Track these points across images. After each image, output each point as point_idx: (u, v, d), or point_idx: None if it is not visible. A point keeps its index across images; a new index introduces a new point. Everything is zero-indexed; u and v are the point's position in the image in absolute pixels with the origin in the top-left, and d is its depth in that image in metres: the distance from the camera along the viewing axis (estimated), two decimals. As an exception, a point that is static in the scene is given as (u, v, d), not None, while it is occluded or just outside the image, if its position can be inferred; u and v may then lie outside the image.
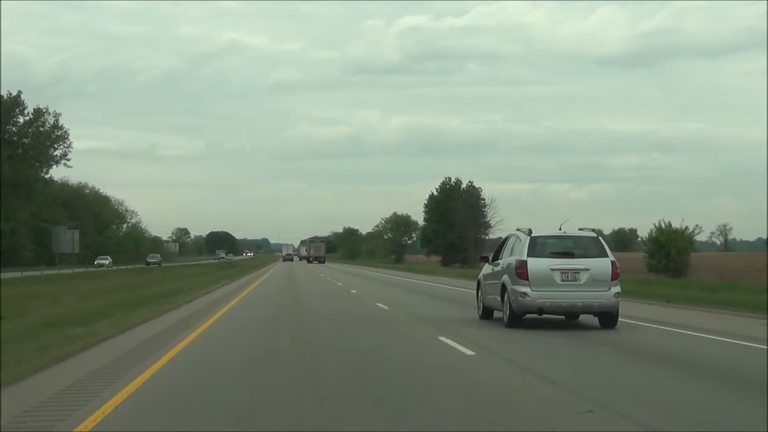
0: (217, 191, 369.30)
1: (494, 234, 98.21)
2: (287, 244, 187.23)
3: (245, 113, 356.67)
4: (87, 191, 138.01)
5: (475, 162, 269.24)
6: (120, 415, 8.13)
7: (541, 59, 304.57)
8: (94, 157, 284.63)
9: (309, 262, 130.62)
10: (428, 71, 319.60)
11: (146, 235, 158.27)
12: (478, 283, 19.77)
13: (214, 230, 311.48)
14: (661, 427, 7.66)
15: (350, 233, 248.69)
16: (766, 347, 13.55)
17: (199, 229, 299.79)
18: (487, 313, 19.03)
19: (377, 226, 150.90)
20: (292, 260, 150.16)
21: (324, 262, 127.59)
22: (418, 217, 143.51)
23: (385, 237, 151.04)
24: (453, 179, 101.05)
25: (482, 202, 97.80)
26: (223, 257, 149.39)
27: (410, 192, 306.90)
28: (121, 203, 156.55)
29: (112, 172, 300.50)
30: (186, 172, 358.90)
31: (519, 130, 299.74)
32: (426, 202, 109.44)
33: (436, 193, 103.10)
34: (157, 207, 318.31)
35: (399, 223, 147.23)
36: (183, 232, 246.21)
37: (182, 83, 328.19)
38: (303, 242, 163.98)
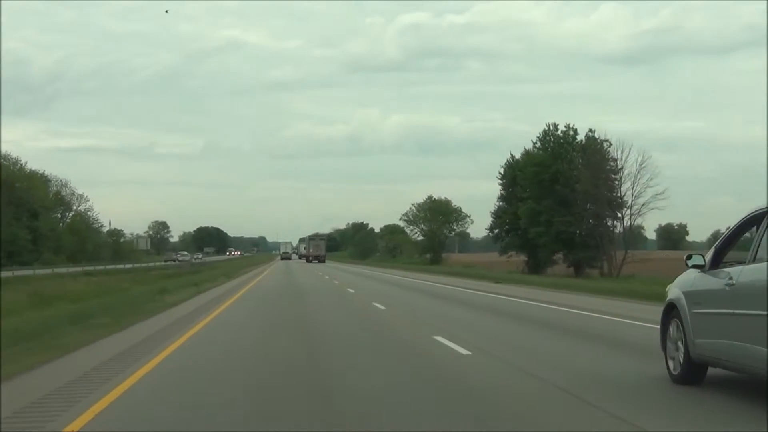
0: (215, 190, 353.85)
1: (648, 224, 57.06)
2: (285, 242, 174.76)
3: (244, 111, 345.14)
4: (5, 164, 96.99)
5: (475, 161, 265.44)
6: None
7: (541, 57, 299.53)
8: (91, 155, 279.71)
9: (308, 261, 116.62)
10: (428, 69, 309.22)
11: (94, 225, 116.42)
12: (671, 311, 9.34)
13: (203, 225, 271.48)
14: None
15: (359, 228, 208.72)
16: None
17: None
18: (693, 372, 8.89)
19: (405, 215, 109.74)
20: (290, 259, 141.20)
21: (324, 261, 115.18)
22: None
23: (413, 230, 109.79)
24: (563, 125, 59.43)
25: (612, 165, 56.30)
26: (178, 258, 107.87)
27: (410, 191, 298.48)
28: (65, 185, 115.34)
29: (110, 170, 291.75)
30: (184, 170, 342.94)
31: (519, 129, 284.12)
32: (503, 168, 68.31)
33: (534, 149, 61.23)
34: (156, 206, 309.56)
35: (437, 211, 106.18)
36: (161, 227, 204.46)
37: (180, 81, 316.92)
38: (302, 240, 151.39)
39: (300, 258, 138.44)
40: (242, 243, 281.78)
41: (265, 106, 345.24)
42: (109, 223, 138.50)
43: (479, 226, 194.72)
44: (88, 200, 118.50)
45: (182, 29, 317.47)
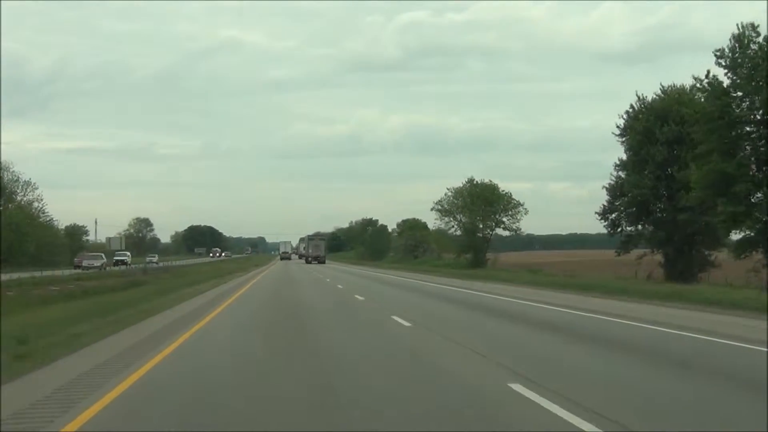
0: (214, 190, 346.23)
1: None
2: (285, 242, 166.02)
3: (243, 111, 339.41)
4: None
5: (475, 160, 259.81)
6: None
7: (542, 55, 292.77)
8: (90, 157, 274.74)
9: (307, 261, 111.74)
10: (428, 68, 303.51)
11: (41, 220, 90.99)
12: None
13: (195, 224, 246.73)
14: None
15: (367, 225, 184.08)
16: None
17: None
18: None
19: (438, 203, 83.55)
20: (289, 259, 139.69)
21: (324, 262, 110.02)
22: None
23: (449, 222, 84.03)
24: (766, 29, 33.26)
25: None
26: (86, 263, 75.35)
27: (410, 191, 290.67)
28: (6, 168, 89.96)
29: (109, 171, 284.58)
30: (183, 171, 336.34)
31: (518, 128, 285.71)
32: (624, 118, 43.10)
33: (721, 69, 34.71)
34: (154, 206, 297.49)
35: (480, 197, 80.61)
36: (144, 224, 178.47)
37: (179, 81, 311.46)
38: (302, 239, 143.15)
39: (300, 258, 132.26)
40: (240, 243, 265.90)
41: (264, 106, 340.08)
42: (95, 223, 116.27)
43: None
44: (37, 188, 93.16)
45: (181, 29, 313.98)
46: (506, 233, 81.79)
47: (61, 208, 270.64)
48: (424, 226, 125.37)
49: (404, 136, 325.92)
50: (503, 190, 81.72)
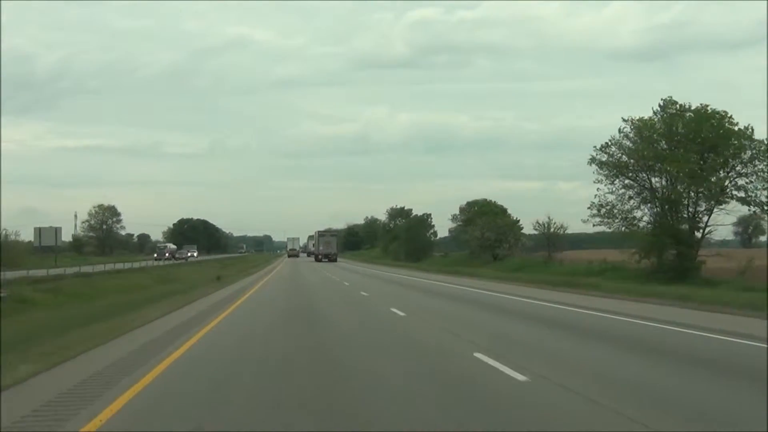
0: (221, 189, 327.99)
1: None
2: (292, 239, 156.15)
3: (250, 110, 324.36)
4: None
5: (484, 159, 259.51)
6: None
7: (552, 53, 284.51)
8: (96, 155, 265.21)
9: (317, 260, 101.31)
10: (437, 66, 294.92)
11: None
12: None
13: (186, 217, 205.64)
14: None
15: (397, 215, 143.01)
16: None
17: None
18: None
19: (604, 149, 40.72)
20: (297, 256, 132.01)
21: (335, 260, 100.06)
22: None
23: (626, 193, 41.18)
24: None
25: None
26: None
27: (418, 190, 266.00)
28: None
29: (116, 170, 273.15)
30: (190, 170, 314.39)
31: (528, 128, 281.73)
32: None
33: None
34: (160, 206, 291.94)
35: (698, 138, 38.24)
36: (109, 213, 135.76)
37: (186, 79, 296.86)
38: (311, 237, 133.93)
39: (309, 256, 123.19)
40: (246, 242, 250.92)
41: (272, 105, 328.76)
42: (75, 217, 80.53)
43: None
44: None
45: (188, 27, 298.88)
46: (744, 210, 39.49)
47: (65, 206, 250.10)
48: (503, 211, 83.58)
49: (412, 135, 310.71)
50: (735, 123, 39.55)
